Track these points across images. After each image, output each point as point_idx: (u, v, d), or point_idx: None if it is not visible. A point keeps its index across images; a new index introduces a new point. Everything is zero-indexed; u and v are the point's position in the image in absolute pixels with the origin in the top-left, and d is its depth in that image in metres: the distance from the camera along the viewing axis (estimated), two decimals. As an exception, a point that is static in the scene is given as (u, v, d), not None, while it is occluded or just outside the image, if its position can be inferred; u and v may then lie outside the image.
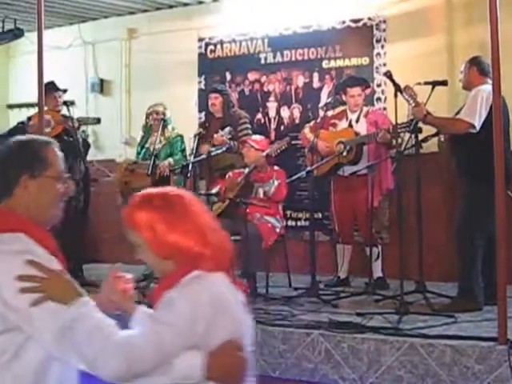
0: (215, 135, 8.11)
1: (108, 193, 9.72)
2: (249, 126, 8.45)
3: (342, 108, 7.80)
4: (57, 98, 8.31)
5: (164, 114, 8.44)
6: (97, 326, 2.48)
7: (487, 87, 5.87)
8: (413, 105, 6.31)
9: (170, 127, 8.52)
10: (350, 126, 7.63)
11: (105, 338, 2.44)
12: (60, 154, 2.86)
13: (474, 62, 6.42)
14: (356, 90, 7.60)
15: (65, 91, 8.51)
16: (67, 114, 8.10)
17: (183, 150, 8.46)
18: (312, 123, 7.97)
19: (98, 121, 8.42)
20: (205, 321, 2.49)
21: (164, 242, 2.58)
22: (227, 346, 2.54)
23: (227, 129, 8.11)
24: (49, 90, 7.93)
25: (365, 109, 7.70)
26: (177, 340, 2.46)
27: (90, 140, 9.60)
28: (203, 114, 9.21)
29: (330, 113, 7.78)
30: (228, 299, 2.60)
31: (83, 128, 8.61)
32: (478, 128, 6.03)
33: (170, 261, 2.63)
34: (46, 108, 7.40)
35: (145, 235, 2.61)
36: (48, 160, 2.79)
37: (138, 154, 8.71)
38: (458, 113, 6.41)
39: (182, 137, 8.55)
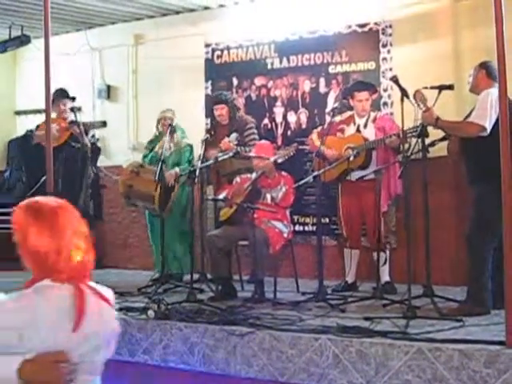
0: (222, 141, 8.11)
1: (115, 199, 9.76)
2: (255, 131, 8.46)
3: (349, 113, 7.81)
4: (64, 107, 8.32)
5: (171, 120, 8.44)
6: None
7: (496, 90, 5.86)
8: (423, 109, 6.30)
9: (179, 133, 8.51)
10: (358, 131, 7.63)
11: None
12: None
13: (484, 66, 6.42)
14: (364, 95, 7.60)
15: (73, 99, 8.51)
16: (74, 119, 8.12)
17: (190, 161, 8.44)
18: (319, 129, 7.98)
19: (103, 124, 8.42)
20: (28, 328, 2.62)
21: (26, 248, 2.78)
22: (46, 355, 2.64)
23: (233, 135, 8.11)
24: (57, 97, 7.95)
25: (372, 114, 7.69)
26: None
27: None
28: (209, 119, 9.21)
29: (337, 118, 7.78)
30: (57, 314, 2.68)
31: (92, 133, 8.63)
32: (488, 130, 6.02)
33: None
34: (53, 115, 7.43)
35: (17, 237, 2.84)
36: None
37: (145, 157, 8.70)
38: (467, 117, 6.41)
39: (191, 147, 8.56)
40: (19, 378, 2.60)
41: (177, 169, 8.29)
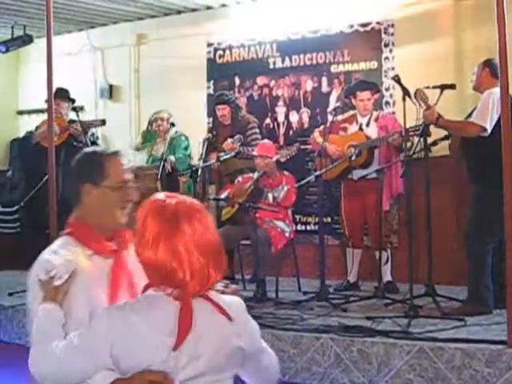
0: (225, 143, 8.12)
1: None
2: (257, 130, 8.47)
3: (351, 112, 7.80)
4: (63, 107, 8.32)
5: (168, 120, 8.46)
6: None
7: (498, 90, 5.86)
8: (424, 108, 6.30)
9: (173, 130, 8.52)
10: (361, 129, 7.62)
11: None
12: (125, 164, 3.08)
13: (488, 64, 6.40)
14: (366, 94, 7.60)
15: (73, 101, 8.52)
16: (75, 118, 8.12)
17: (186, 148, 8.45)
18: (322, 128, 7.97)
19: (103, 122, 8.42)
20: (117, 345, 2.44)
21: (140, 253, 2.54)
22: (143, 375, 2.43)
23: (237, 136, 8.10)
24: (57, 97, 7.95)
25: (375, 113, 7.69)
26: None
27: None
28: (212, 119, 9.21)
29: (340, 117, 7.77)
30: (155, 331, 2.44)
31: (92, 131, 8.62)
32: (489, 131, 6.02)
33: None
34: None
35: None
36: (107, 170, 2.96)
37: (147, 161, 8.73)
38: (469, 116, 6.40)
39: (185, 136, 8.56)
40: None
41: (171, 157, 8.28)
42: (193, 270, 2.47)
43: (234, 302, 2.63)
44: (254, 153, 7.76)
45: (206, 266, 2.51)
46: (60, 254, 2.83)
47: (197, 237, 2.50)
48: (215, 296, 2.58)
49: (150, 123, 8.66)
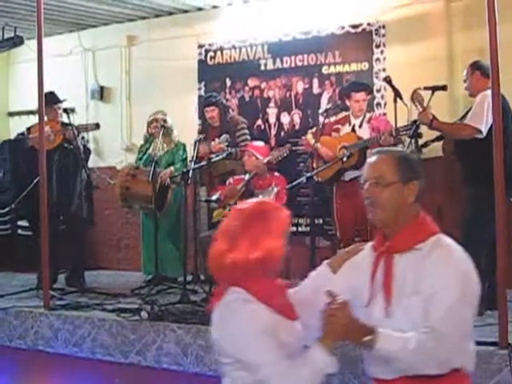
0: (212, 143, 8.11)
1: (108, 200, 9.74)
2: (247, 131, 8.46)
3: (344, 114, 7.80)
4: (56, 110, 8.27)
5: (164, 121, 8.42)
6: None
7: (493, 92, 5.87)
8: (420, 110, 6.31)
9: (175, 133, 8.50)
10: (353, 131, 7.62)
11: None
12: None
13: (476, 67, 6.41)
14: (361, 95, 7.58)
15: (62, 101, 8.49)
16: (67, 121, 8.08)
17: (184, 160, 8.43)
18: (315, 129, 7.96)
19: (97, 126, 8.40)
20: None
21: None
22: None
23: (223, 136, 8.10)
24: (49, 100, 7.90)
25: (368, 114, 7.68)
26: None
27: (91, 147, 9.59)
28: (201, 121, 9.19)
29: (333, 118, 7.77)
30: None
31: (83, 134, 8.60)
32: (484, 133, 6.02)
33: None
34: (45, 118, 7.41)
35: None
36: None
37: (140, 159, 8.69)
38: (463, 118, 6.41)
39: (184, 146, 8.53)
40: None
41: (171, 167, 8.27)
42: None
43: None
44: (251, 152, 7.74)
45: None
46: None
47: None
48: None
49: (148, 125, 8.63)
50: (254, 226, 2.98)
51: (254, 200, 3.15)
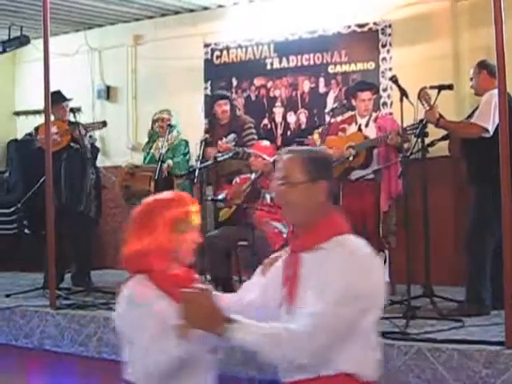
0: (219, 142, 8.10)
1: (114, 199, 9.75)
2: (254, 131, 8.44)
3: (350, 113, 7.78)
4: (64, 108, 8.27)
5: (170, 120, 8.41)
6: None
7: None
8: (427, 108, 6.30)
9: (175, 132, 8.49)
10: (360, 130, 7.60)
11: None
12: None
13: (483, 66, 6.40)
14: (367, 95, 7.56)
15: (70, 99, 8.49)
16: (73, 120, 8.08)
17: (186, 154, 8.42)
18: (321, 129, 7.96)
19: (104, 124, 8.40)
20: None
21: None
22: None
23: (231, 136, 8.08)
24: (55, 100, 7.91)
25: (374, 114, 7.67)
26: None
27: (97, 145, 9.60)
28: (208, 119, 9.19)
29: (339, 118, 7.77)
30: None
31: (90, 133, 8.60)
32: (491, 132, 6.00)
33: None
34: (52, 117, 7.41)
35: None
36: None
37: (144, 159, 8.70)
38: (469, 117, 6.40)
39: (186, 141, 8.52)
40: None
41: (169, 161, 8.25)
42: None
43: None
44: (251, 150, 7.74)
45: None
46: None
47: None
48: None
49: (153, 122, 8.63)
50: (140, 223, 3.41)
51: (151, 198, 3.54)
